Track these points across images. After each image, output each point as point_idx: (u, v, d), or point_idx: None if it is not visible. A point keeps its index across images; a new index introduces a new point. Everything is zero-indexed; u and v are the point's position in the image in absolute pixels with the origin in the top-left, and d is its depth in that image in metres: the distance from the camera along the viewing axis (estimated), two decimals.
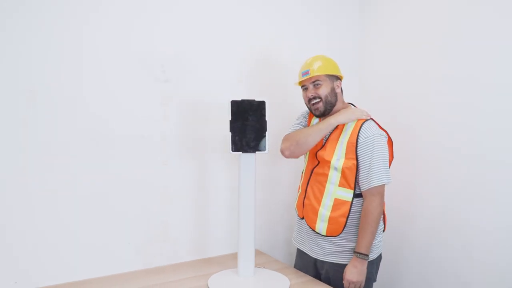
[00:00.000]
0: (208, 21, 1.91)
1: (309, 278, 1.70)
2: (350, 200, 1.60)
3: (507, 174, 1.62)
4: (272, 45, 2.10)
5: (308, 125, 1.79)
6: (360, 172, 1.58)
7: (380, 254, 1.71)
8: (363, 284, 1.57)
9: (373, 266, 1.66)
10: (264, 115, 1.60)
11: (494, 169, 1.67)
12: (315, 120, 1.77)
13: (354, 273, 1.55)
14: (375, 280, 1.70)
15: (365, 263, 1.56)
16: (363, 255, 1.55)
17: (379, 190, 1.56)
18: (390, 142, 1.68)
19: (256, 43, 2.05)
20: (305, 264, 1.78)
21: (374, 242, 1.60)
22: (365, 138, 1.56)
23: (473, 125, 1.74)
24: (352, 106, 1.74)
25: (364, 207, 1.58)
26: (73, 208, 1.64)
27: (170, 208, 1.86)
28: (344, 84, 1.99)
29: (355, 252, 1.57)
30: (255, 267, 1.69)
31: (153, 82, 1.79)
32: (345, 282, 1.57)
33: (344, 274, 1.58)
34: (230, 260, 1.88)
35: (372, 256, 1.62)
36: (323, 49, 2.05)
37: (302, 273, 1.74)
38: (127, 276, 1.70)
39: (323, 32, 2.27)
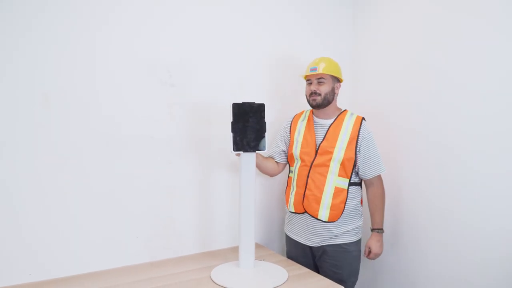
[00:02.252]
0: (211, 29, 1.94)
1: (306, 270, 1.75)
2: (346, 188, 1.80)
3: (496, 171, 1.66)
4: (270, 51, 2.14)
5: (292, 133, 1.92)
6: (366, 164, 1.80)
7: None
8: (379, 255, 1.88)
9: (360, 245, 1.90)
10: (264, 117, 1.64)
11: (485, 168, 1.69)
12: (301, 125, 1.89)
13: (378, 246, 1.85)
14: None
15: (382, 236, 1.86)
16: (381, 230, 1.85)
17: (380, 176, 1.86)
18: None
19: (256, 50, 2.08)
20: (300, 251, 1.89)
21: (359, 224, 1.86)
22: (367, 134, 1.80)
23: (466, 127, 1.76)
24: (346, 110, 1.88)
25: (374, 192, 1.86)
26: (84, 205, 1.67)
27: (175, 204, 1.89)
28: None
29: (374, 229, 1.86)
30: (255, 259, 1.74)
31: (160, 86, 1.82)
32: (372, 255, 1.86)
33: (368, 249, 1.86)
34: (231, 253, 1.92)
35: (358, 236, 1.87)
36: (320, 54, 2.11)
37: (299, 265, 1.80)
38: (134, 268, 1.74)
39: (318, 39, 2.30)
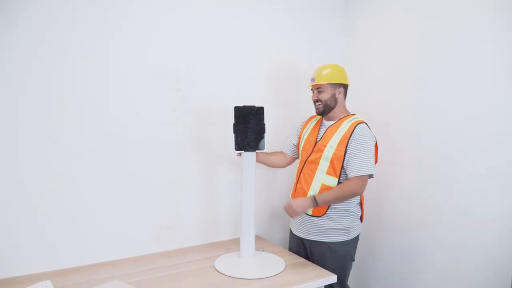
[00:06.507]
0: (214, 38, 2.02)
1: (302, 260, 1.83)
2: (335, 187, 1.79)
3: (474, 170, 1.76)
4: (270, 58, 2.21)
5: (302, 130, 2.04)
6: (350, 162, 1.75)
7: (357, 236, 1.90)
8: (295, 215, 1.85)
9: (350, 245, 1.87)
10: (263, 119, 1.71)
11: (470, 167, 1.80)
12: (310, 125, 2.00)
13: (297, 202, 1.79)
14: (353, 260, 1.90)
15: (310, 205, 1.79)
16: (314, 200, 1.77)
17: (364, 178, 1.75)
18: (376, 146, 1.86)
19: (257, 57, 2.17)
20: (296, 243, 1.98)
21: (351, 225, 1.83)
22: (359, 136, 1.76)
23: (452, 128, 1.86)
24: (353, 115, 1.90)
25: (345, 182, 1.77)
26: (97, 200, 1.76)
27: (181, 199, 1.98)
28: None
29: (313, 195, 1.79)
30: (255, 250, 1.82)
31: (167, 90, 1.90)
32: (286, 205, 1.82)
33: (290, 202, 1.81)
34: (233, 245, 2.02)
35: (349, 236, 1.84)
36: (316, 61, 2.19)
37: (296, 256, 1.89)
38: (144, 258, 1.83)
39: (314, 48, 2.38)
